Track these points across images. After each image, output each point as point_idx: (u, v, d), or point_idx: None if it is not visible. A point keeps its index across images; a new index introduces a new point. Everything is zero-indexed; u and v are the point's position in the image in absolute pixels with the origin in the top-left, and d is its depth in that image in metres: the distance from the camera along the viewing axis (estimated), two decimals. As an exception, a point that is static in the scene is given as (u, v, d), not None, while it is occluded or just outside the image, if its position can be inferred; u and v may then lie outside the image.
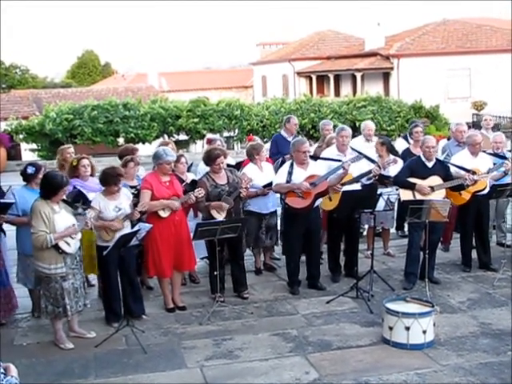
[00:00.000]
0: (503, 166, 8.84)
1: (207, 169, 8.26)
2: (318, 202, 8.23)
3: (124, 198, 7.32)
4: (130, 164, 8.11)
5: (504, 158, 9.13)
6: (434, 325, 6.66)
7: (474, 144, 8.82)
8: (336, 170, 8.29)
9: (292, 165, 8.18)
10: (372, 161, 8.70)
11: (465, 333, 6.97)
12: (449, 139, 10.84)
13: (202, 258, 8.92)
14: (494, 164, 8.90)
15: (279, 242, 9.21)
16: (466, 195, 8.64)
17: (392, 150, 9.50)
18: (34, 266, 6.79)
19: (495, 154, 9.28)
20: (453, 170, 8.58)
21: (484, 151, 9.10)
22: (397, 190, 8.66)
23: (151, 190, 7.47)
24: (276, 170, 9.07)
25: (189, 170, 9.08)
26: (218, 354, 6.63)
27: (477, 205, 8.71)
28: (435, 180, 8.29)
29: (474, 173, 8.41)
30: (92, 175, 8.11)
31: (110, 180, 7.17)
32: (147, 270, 7.82)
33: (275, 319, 7.54)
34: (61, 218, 6.64)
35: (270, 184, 8.46)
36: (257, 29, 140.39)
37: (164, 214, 7.53)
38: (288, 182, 8.07)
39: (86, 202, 7.26)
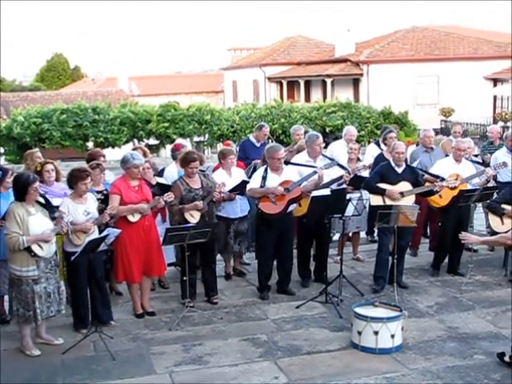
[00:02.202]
0: (484, 174, 8.96)
1: (174, 173, 8.23)
2: (291, 208, 8.24)
3: (91, 202, 7.25)
4: (95, 170, 8.01)
5: (480, 164, 9.27)
6: (402, 329, 6.71)
7: (458, 150, 8.93)
8: (309, 177, 8.31)
9: (266, 170, 8.19)
10: (343, 167, 8.76)
11: (432, 337, 7.04)
12: (417, 145, 10.96)
13: (170, 265, 8.83)
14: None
15: (251, 248, 9.20)
16: (445, 199, 8.76)
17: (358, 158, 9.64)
18: (8, 269, 6.73)
19: (475, 161, 9.46)
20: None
21: (467, 159, 9.24)
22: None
23: (120, 195, 7.41)
24: (247, 175, 9.10)
25: (161, 175, 9.04)
26: (187, 360, 6.60)
27: (457, 209, 8.80)
28: (405, 186, 8.36)
29: (443, 179, 8.51)
30: (57, 180, 7.98)
31: (77, 176, 7.05)
32: (116, 275, 7.76)
33: (245, 324, 7.53)
34: (36, 220, 6.59)
35: (237, 188, 8.44)
36: (228, 34, 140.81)
37: (133, 218, 7.48)
38: (262, 186, 8.07)
39: (50, 208, 7.13)
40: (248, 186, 8.26)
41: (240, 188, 8.45)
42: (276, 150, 8.20)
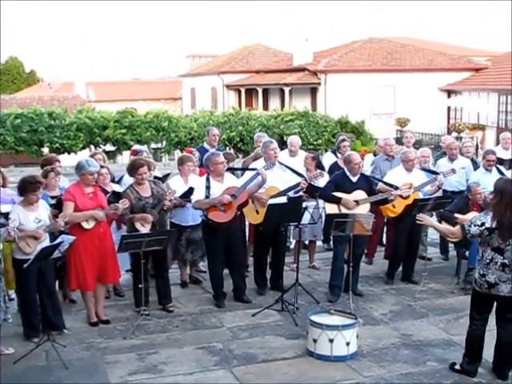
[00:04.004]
0: (437, 181, 9.11)
1: (132, 180, 8.16)
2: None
3: (43, 209, 7.11)
4: (50, 174, 7.92)
5: (435, 173, 9.45)
6: (357, 337, 6.76)
7: (407, 160, 9.07)
8: (253, 179, 8.33)
9: (208, 179, 8.15)
10: (299, 174, 8.81)
11: (386, 344, 7.10)
12: (375, 154, 11.10)
13: (127, 271, 8.79)
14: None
15: (205, 257, 9.17)
16: (398, 208, 8.86)
17: (319, 166, 9.67)
18: None
19: (428, 170, 9.63)
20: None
21: (423, 168, 9.41)
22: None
23: (74, 202, 7.31)
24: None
25: (119, 182, 8.96)
26: (141, 369, 6.53)
27: (411, 218, 8.90)
28: (360, 194, 8.45)
29: (396, 188, 8.64)
30: (4, 186, 7.83)
31: (28, 187, 6.93)
32: (69, 283, 7.65)
33: (200, 332, 7.49)
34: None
35: (186, 195, 8.41)
36: (186, 41, 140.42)
37: (87, 225, 7.38)
38: (207, 196, 8.04)
39: None
40: (193, 199, 8.19)
41: (189, 195, 8.40)
42: (216, 156, 8.21)
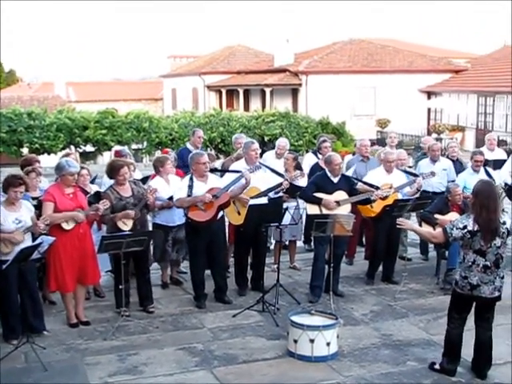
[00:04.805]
0: (416, 183, 9.16)
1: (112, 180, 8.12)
2: (220, 214, 8.24)
3: (25, 210, 7.05)
4: (31, 174, 7.88)
5: (415, 175, 9.51)
6: (338, 337, 6.78)
7: (387, 161, 9.11)
8: (237, 181, 8.33)
9: (192, 178, 8.15)
10: (280, 175, 8.82)
11: (367, 344, 7.13)
12: (354, 155, 11.15)
13: (107, 272, 8.75)
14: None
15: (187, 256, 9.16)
16: (376, 208, 8.91)
17: (298, 166, 9.69)
18: None
19: (407, 172, 9.69)
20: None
21: (399, 169, 9.45)
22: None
23: (54, 202, 7.26)
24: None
25: (92, 182, 8.92)
26: (122, 370, 6.50)
27: (390, 219, 8.95)
28: (341, 195, 8.48)
29: (377, 188, 8.68)
30: None
31: (10, 182, 6.88)
32: (48, 284, 7.60)
33: (181, 333, 7.47)
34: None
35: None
36: (167, 41, 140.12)
37: (67, 226, 7.34)
38: (189, 195, 8.04)
39: None
40: (175, 197, 8.19)
41: None
42: (200, 156, 8.21)
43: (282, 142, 10.34)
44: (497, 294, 6.08)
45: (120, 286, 7.58)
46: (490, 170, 9.89)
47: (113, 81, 62.66)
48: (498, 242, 5.96)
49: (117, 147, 23.14)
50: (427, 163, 10.22)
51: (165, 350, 7.00)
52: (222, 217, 8.43)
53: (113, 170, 7.84)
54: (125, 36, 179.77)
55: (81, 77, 60.14)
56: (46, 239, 6.85)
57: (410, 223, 6.94)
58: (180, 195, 8.09)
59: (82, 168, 8.45)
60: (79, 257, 7.44)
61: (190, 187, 8.05)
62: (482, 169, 9.75)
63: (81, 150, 25.26)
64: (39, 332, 7.24)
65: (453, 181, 9.89)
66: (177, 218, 8.69)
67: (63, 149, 24.28)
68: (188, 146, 10.91)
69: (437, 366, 6.40)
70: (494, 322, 6.31)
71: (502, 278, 6.10)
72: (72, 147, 24.90)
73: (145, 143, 25.93)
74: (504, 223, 6.00)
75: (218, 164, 10.93)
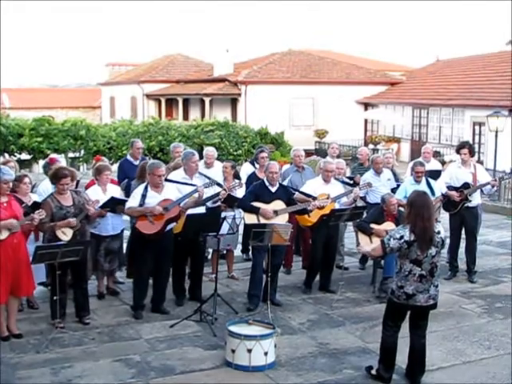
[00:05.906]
0: (353, 193, 9.28)
1: (49, 189, 7.96)
2: (170, 227, 8.16)
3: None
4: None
5: (353, 185, 9.63)
6: (276, 346, 6.80)
7: (326, 171, 9.20)
8: (190, 195, 8.28)
9: (146, 188, 8.08)
10: (219, 184, 8.82)
11: (304, 353, 7.17)
12: (291, 164, 11.23)
13: (40, 284, 8.52)
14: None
15: (122, 267, 9.04)
16: (313, 218, 8.98)
17: (236, 175, 9.71)
18: None
19: (345, 182, 9.82)
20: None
21: (337, 179, 9.55)
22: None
23: (-14, 212, 7.07)
24: (124, 191, 8.97)
25: (32, 191, 8.72)
26: (55, 384, 6.36)
27: (327, 228, 9.04)
28: (279, 204, 8.53)
29: (314, 198, 8.77)
30: None
31: None
32: (-20, 295, 7.37)
33: (117, 345, 7.36)
34: None
35: (107, 205, 8.28)
36: (106, 49, 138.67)
37: (1, 236, 7.15)
38: (141, 205, 7.96)
39: None
40: (127, 205, 8.09)
41: (110, 205, 8.28)
42: (157, 167, 8.12)
43: (210, 152, 10.25)
44: (431, 302, 6.21)
45: (55, 297, 7.41)
46: (431, 181, 10.00)
47: (49, 88, 61.54)
48: (433, 251, 6.09)
49: (53, 155, 22.74)
50: (371, 175, 10.30)
51: (100, 361, 6.87)
52: (170, 230, 8.31)
53: (56, 177, 7.70)
54: (62, 42, 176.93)
55: (15, 83, 58.91)
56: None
57: (364, 248, 7.16)
58: (132, 204, 8.00)
59: (24, 176, 8.27)
60: (13, 267, 7.24)
61: (144, 196, 7.96)
62: (423, 179, 9.92)
63: (15, 158, 24.68)
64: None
65: (392, 189, 10.07)
66: (110, 227, 8.58)
67: (-3, 156, 23.70)
68: (128, 157, 10.80)
69: (373, 372, 6.48)
70: (427, 329, 6.45)
71: (437, 286, 6.24)
72: (6, 155, 24.34)
73: (82, 151, 25.57)
74: (438, 232, 6.14)
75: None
